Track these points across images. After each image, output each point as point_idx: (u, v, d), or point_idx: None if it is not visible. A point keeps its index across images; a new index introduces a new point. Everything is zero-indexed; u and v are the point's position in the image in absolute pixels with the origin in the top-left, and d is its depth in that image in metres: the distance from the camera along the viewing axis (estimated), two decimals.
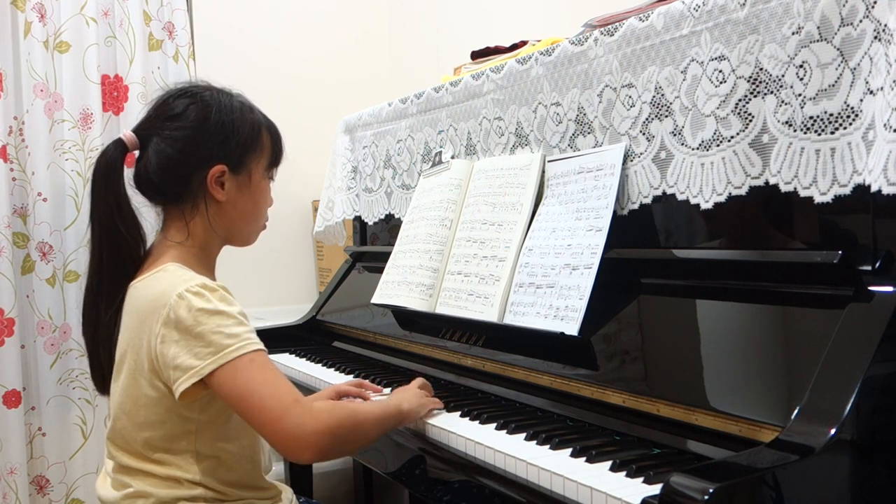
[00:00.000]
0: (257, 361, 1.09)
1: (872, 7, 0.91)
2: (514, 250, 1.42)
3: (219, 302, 1.10)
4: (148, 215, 1.28)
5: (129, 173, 1.23)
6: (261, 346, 1.11)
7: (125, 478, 1.16)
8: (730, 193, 1.11)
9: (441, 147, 1.79)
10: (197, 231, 1.21)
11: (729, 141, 1.11)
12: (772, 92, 1.04)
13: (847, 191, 0.96)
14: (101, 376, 1.23)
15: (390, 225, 2.08)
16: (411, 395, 1.30)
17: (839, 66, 0.95)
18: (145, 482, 1.14)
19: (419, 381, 1.37)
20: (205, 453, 1.15)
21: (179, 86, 1.24)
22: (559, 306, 1.26)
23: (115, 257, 1.20)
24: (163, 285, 1.13)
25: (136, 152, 1.22)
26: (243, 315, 1.12)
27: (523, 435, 1.15)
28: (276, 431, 1.06)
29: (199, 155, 1.19)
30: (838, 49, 0.95)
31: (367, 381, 1.53)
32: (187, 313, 1.08)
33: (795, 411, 0.88)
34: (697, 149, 1.16)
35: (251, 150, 1.23)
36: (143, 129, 1.22)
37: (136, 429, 1.14)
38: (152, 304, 1.12)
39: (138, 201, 1.23)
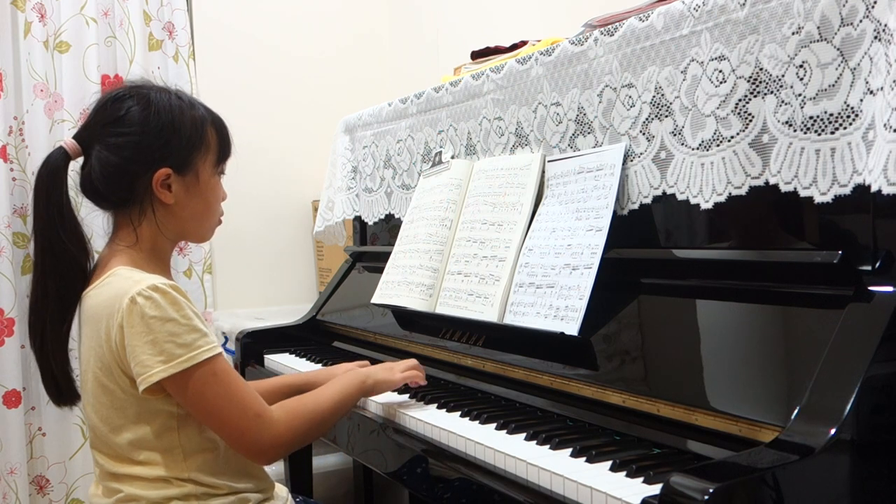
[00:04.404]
0: (216, 371, 1.11)
1: (872, 7, 0.91)
2: (514, 250, 1.42)
3: (170, 306, 1.09)
4: (93, 223, 1.28)
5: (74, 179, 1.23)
6: (215, 351, 1.11)
7: (114, 483, 1.16)
8: (730, 193, 1.11)
9: (441, 147, 1.79)
10: (145, 235, 1.21)
11: (729, 141, 1.11)
12: (772, 92, 1.04)
13: (847, 191, 0.96)
14: (56, 387, 1.22)
15: (390, 225, 2.08)
16: (380, 368, 1.36)
17: (839, 66, 0.95)
18: (134, 486, 1.14)
19: (410, 361, 1.42)
20: (191, 448, 1.15)
21: (117, 88, 1.23)
22: (559, 306, 1.26)
23: (58, 267, 1.18)
24: (113, 290, 1.13)
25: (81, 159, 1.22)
26: (196, 316, 1.12)
27: (523, 435, 1.15)
28: (235, 442, 1.14)
29: (141, 160, 1.17)
30: (838, 49, 0.95)
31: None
32: (140, 320, 1.08)
33: (795, 411, 0.88)
34: (697, 149, 1.16)
35: (196, 149, 1.21)
36: (84, 137, 1.21)
37: (115, 432, 1.15)
38: (106, 309, 1.12)
39: (86, 207, 1.24)
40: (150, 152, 1.17)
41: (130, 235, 1.20)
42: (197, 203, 1.23)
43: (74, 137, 1.21)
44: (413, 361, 1.42)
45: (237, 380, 1.14)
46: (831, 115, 0.97)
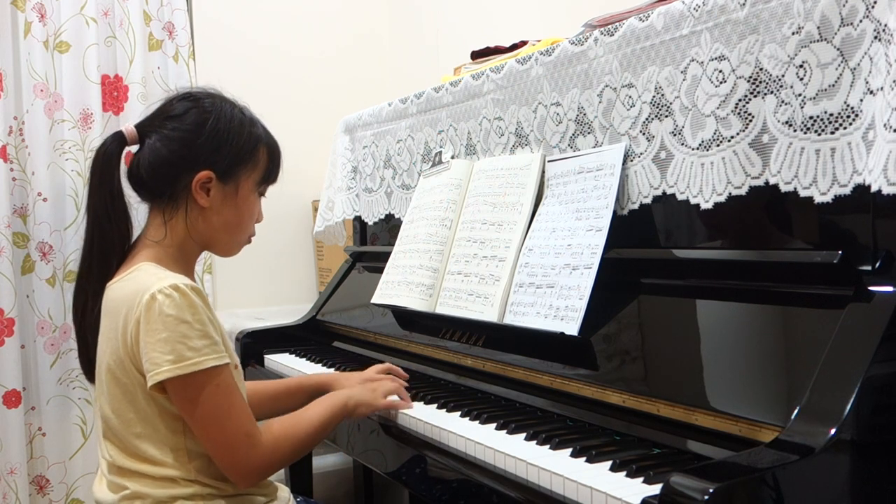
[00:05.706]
0: (219, 382, 1.12)
1: (872, 7, 0.91)
2: (514, 250, 1.42)
3: (186, 308, 1.10)
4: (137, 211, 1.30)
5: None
6: (221, 361, 1.12)
7: (121, 479, 1.16)
8: (730, 193, 1.11)
9: (441, 147, 1.79)
10: (175, 232, 1.23)
11: (729, 141, 1.11)
12: (772, 92, 1.04)
13: (847, 191, 0.96)
14: (88, 363, 1.25)
15: (390, 225, 2.08)
16: (359, 390, 1.34)
17: (839, 66, 0.95)
18: (141, 483, 1.14)
19: (381, 366, 1.43)
20: (196, 451, 1.15)
21: (188, 89, 1.27)
22: (559, 306, 1.26)
23: (105, 248, 1.22)
24: (136, 284, 1.14)
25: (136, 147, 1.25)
26: (210, 323, 1.13)
27: (523, 435, 1.15)
28: (220, 460, 1.14)
29: (188, 158, 1.20)
30: (838, 49, 0.95)
31: (395, 366, 1.52)
32: (156, 317, 1.09)
33: (795, 411, 0.88)
34: (697, 149, 1.16)
35: (243, 163, 1.25)
36: (144, 126, 1.24)
37: (126, 425, 1.15)
38: (126, 303, 1.14)
39: (131, 197, 1.26)
40: (198, 153, 1.21)
41: (160, 230, 1.22)
42: (230, 214, 1.25)
43: (136, 125, 1.25)
44: (394, 385, 1.38)
45: (238, 396, 1.14)
46: (831, 115, 0.97)
